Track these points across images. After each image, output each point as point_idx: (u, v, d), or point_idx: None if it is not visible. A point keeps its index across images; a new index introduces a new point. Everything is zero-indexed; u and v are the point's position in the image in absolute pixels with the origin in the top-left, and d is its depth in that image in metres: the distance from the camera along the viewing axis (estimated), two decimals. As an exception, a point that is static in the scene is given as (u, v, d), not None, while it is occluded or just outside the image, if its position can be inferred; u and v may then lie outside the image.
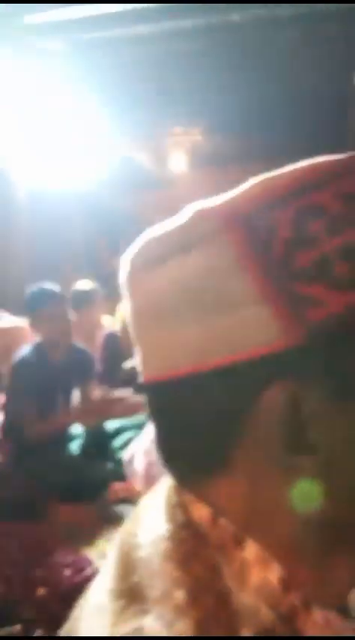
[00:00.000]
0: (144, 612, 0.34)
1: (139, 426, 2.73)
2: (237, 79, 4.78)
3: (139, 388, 0.42)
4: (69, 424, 2.51)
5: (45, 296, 2.44)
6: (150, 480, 2.26)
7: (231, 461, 0.37)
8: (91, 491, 2.26)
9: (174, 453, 0.41)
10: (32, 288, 2.52)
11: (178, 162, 6.80)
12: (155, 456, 0.42)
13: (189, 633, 0.32)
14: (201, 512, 0.38)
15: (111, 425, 2.74)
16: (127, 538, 0.41)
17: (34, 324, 2.48)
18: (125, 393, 2.57)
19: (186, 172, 6.88)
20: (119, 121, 5.60)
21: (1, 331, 3.59)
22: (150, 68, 4.69)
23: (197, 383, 0.37)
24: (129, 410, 2.59)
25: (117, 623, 0.34)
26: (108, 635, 0.34)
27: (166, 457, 0.41)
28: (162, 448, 0.42)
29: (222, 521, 0.38)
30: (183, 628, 0.32)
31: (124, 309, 0.43)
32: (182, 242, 0.39)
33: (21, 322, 3.92)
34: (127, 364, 3.16)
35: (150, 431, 2.55)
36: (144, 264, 0.41)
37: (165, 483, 0.43)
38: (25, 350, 2.51)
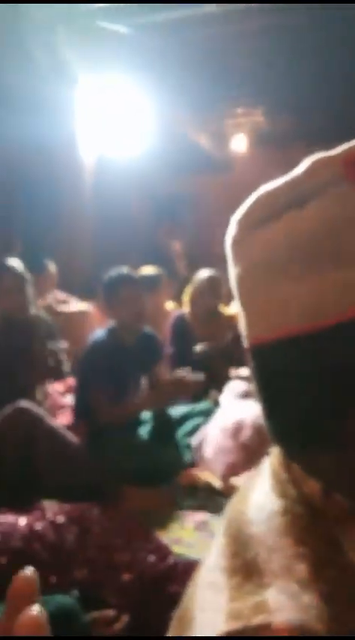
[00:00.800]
0: (264, 586, 0.34)
1: (206, 413, 2.72)
2: (299, 59, 4.64)
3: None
4: (141, 409, 2.52)
5: (122, 279, 2.49)
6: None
7: (343, 433, 0.36)
8: (163, 476, 2.27)
9: (284, 424, 0.39)
10: (110, 273, 2.56)
11: (239, 144, 6.67)
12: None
13: (315, 605, 0.32)
14: (312, 486, 0.38)
15: (178, 411, 2.73)
16: (236, 516, 0.40)
17: (110, 307, 2.52)
18: (196, 375, 2.56)
19: (247, 154, 6.74)
20: (180, 104, 5.54)
21: (68, 316, 3.66)
22: (212, 50, 4.61)
23: (312, 342, 0.35)
24: (194, 389, 2.58)
25: (237, 598, 0.34)
26: (228, 610, 0.34)
27: (276, 429, 0.40)
28: (271, 420, 0.40)
29: (336, 495, 0.37)
30: (309, 600, 0.32)
31: (230, 274, 0.42)
32: (298, 194, 0.37)
33: (87, 307, 4.00)
34: (199, 347, 3.15)
35: (218, 417, 2.53)
36: (257, 221, 0.39)
37: (268, 461, 0.43)
38: (99, 333, 2.54)
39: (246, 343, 0.40)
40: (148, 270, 3.76)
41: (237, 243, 0.41)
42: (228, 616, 0.33)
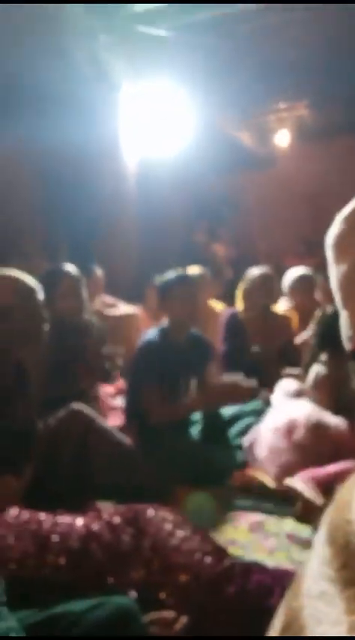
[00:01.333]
0: None
1: (257, 413, 2.68)
2: (342, 50, 4.52)
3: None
4: (192, 411, 2.52)
5: (178, 278, 2.58)
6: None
7: None
8: (215, 477, 2.26)
9: None
10: (165, 274, 2.64)
11: (282, 139, 6.57)
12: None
13: None
14: None
15: (228, 411, 2.71)
16: (342, 525, 0.39)
17: (165, 304, 2.59)
18: (248, 381, 2.54)
19: (290, 149, 6.63)
20: (221, 102, 5.51)
21: (117, 319, 3.70)
22: (252, 45, 4.56)
23: None
24: (246, 395, 2.57)
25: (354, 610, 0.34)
26: (350, 622, 0.34)
27: None
28: None
29: None
30: None
31: (331, 272, 0.40)
32: None
33: (134, 310, 4.04)
34: (253, 348, 3.12)
35: (270, 417, 2.49)
36: None
37: None
38: (150, 334, 2.57)
39: (348, 344, 0.39)
40: (192, 270, 3.76)
41: (342, 240, 0.40)
42: (352, 628, 0.33)
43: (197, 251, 6.82)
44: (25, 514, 1.49)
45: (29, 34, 3.75)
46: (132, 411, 2.55)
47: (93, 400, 2.70)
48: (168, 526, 1.42)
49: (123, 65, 4.59)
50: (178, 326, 2.54)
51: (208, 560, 1.33)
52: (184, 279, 2.59)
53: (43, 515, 1.49)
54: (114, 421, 2.69)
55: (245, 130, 6.56)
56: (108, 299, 4.18)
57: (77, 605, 1.15)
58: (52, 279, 2.46)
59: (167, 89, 4.84)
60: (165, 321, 2.61)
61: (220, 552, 1.40)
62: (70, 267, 2.60)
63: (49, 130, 4.35)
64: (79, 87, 4.34)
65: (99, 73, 4.39)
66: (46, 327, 1.91)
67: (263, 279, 3.26)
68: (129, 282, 4.78)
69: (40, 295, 1.90)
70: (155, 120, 5.04)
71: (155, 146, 5.19)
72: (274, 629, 0.40)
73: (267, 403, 2.74)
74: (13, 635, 1.06)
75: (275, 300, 3.42)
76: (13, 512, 1.49)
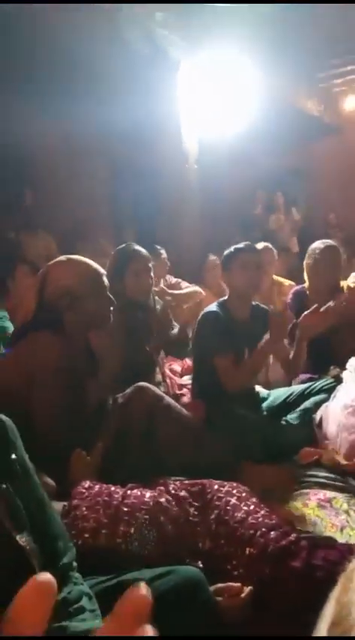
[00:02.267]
0: None
1: (328, 390, 2.63)
2: None
3: None
4: (261, 361, 2.49)
5: (242, 247, 2.60)
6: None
7: None
8: (284, 453, 2.25)
9: None
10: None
11: (351, 104, 6.27)
12: None
13: None
14: None
15: (298, 388, 2.68)
16: None
17: (228, 274, 2.59)
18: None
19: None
20: (284, 72, 5.32)
21: (182, 296, 3.73)
22: (319, 9, 4.35)
23: None
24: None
25: None
26: None
27: None
28: None
29: None
30: None
31: None
32: None
33: (197, 288, 4.05)
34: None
35: (340, 394, 2.43)
36: None
37: None
38: (210, 307, 2.59)
39: None
40: (258, 245, 3.70)
41: None
42: None
43: (259, 226, 6.69)
44: (97, 486, 1.56)
45: (85, 17, 3.79)
46: (199, 389, 2.57)
47: (161, 378, 2.75)
48: (234, 500, 1.44)
49: (181, 42, 4.53)
50: (239, 297, 2.55)
51: (274, 534, 1.34)
52: (244, 249, 2.59)
53: (113, 488, 1.55)
54: (182, 399, 2.73)
55: (310, 99, 6.32)
56: (172, 280, 4.22)
57: (146, 573, 1.19)
58: (123, 258, 2.51)
59: (227, 62, 4.74)
60: (227, 293, 2.62)
61: (286, 527, 1.40)
62: (140, 247, 2.64)
63: (110, 114, 4.39)
64: (136, 67, 4.34)
65: (156, 52, 4.37)
66: (113, 309, 1.96)
67: (329, 252, 3.10)
68: (192, 262, 4.79)
69: (107, 279, 1.95)
70: (217, 96, 4.95)
71: (217, 122, 5.11)
72: (325, 621, 0.39)
73: (338, 380, 2.68)
74: (85, 599, 1.13)
75: (342, 274, 3.28)
76: (86, 483, 1.57)
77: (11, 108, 4.93)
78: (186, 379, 3.10)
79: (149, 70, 4.44)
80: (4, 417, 1.15)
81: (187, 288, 4.02)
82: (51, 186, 5.36)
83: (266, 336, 2.38)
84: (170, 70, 4.70)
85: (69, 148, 5.31)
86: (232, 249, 2.62)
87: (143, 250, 2.60)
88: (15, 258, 3.68)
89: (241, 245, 2.61)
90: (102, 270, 1.93)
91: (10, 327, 3.08)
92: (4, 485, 1.07)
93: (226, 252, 2.64)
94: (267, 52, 4.75)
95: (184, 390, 2.90)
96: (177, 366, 3.30)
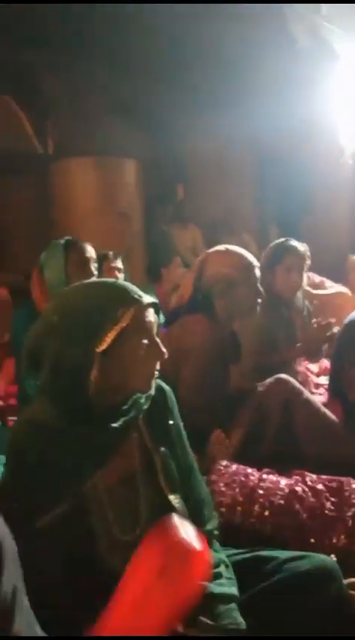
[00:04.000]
0: None
1: None
2: None
3: None
4: None
5: None
6: None
7: None
8: None
9: None
10: None
11: None
12: None
13: None
14: None
15: None
16: None
17: None
18: None
19: None
20: None
21: (326, 297, 3.66)
22: None
23: None
24: None
25: None
26: None
27: None
28: None
29: None
30: None
31: None
32: None
33: (343, 289, 3.94)
34: None
35: None
36: None
37: None
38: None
39: None
40: None
41: None
42: None
43: None
44: (234, 465, 1.63)
45: (252, 20, 3.85)
46: (336, 389, 2.53)
47: (297, 374, 2.74)
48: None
49: (343, 34, 4.41)
50: None
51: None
52: None
53: (249, 470, 1.62)
54: (318, 398, 2.70)
55: None
56: (316, 278, 4.15)
57: (283, 553, 1.24)
58: (278, 252, 2.55)
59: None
60: None
61: None
62: (298, 244, 2.65)
63: (264, 111, 4.42)
64: (297, 64, 4.31)
65: (320, 46, 4.30)
66: (261, 301, 2.02)
67: None
68: (338, 263, 4.66)
69: (258, 271, 2.02)
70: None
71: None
72: None
73: None
74: (223, 567, 1.21)
75: None
76: (223, 462, 1.65)
77: (167, 106, 5.19)
78: (323, 379, 3.06)
79: (309, 65, 4.39)
80: (164, 385, 1.27)
81: (331, 287, 3.94)
82: (201, 182, 5.55)
83: None
84: (330, 63, 4.61)
85: (220, 145, 5.43)
86: None
87: (300, 247, 2.61)
88: (167, 248, 3.90)
89: None
90: (256, 262, 2.01)
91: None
92: (162, 449, 1.19)
93: None
94: None
95: (321, 390, 2.87)
96: (314, 367, 3.26)
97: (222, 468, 1.64)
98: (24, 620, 0.63)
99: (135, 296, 1.11)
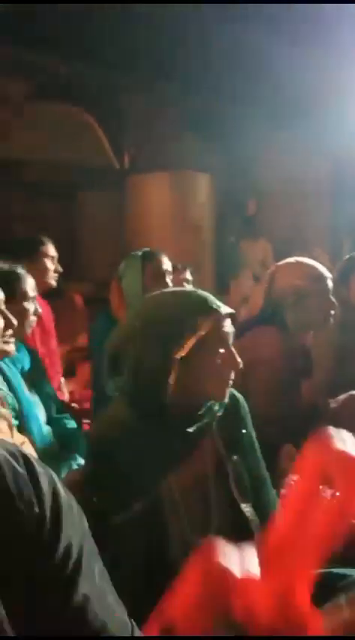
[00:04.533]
0: None
1: None
2: None
3: None
4: None
5: None
6: None
7: None
8: None
9: None
10: None
11: None
12: None
13: None
14: None
15: None
16: None
17: None
18: None
19: None
20: None
21: None
22: None
23: None
24: None
25: None
26: None
27: None
28: None
29: None
30: None
31: None
32: None
33: None
34: None
35: None
36: None
37: None
38: None
39: None
40: None
41: None
42: None
43: None
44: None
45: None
46: None
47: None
48: None
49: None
50: None
51: None
52: None
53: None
54: None
55: None
56: None
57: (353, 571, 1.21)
58: (353, 264, 2.50)
59: None
60: None
61: None
62: None
63: (344, 119, 4.34)
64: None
65: None
66: (334, 312, 1.99)
67: None
68: None
69: (330, 282, 1.98)
70: None
71: None
72: None
73: None
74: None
75: None
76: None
77: (241, 120, 5.23)
78: None
79: None
80: (237, 394, 1.28)
81: None
82: (275, 196, 5.52)
83: None
84: None
85: (296, 158, 5.40)
86: None
87: None
88: (236, 261, 3.91)
89: None
90: (328, 274, 1.97)
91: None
92: (235, 457, 1.19)
93: None
94: None
95: None
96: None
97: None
98: (92, 588, 0.55)
99: (214, 306, 1.14)
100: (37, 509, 0.54)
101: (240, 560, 0.68)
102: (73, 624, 0.54)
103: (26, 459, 0.56)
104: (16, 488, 0.54)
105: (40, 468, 0.57)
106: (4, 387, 1.75)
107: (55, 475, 0.58)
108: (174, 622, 0.67)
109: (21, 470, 0.55)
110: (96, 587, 0.57)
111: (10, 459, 0.55)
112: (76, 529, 0.57)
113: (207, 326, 1.11)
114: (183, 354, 1.09)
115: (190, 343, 1.09)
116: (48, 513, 0.55)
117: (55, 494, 0.56)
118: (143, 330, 1.13)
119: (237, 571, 0.66)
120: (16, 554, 0.52)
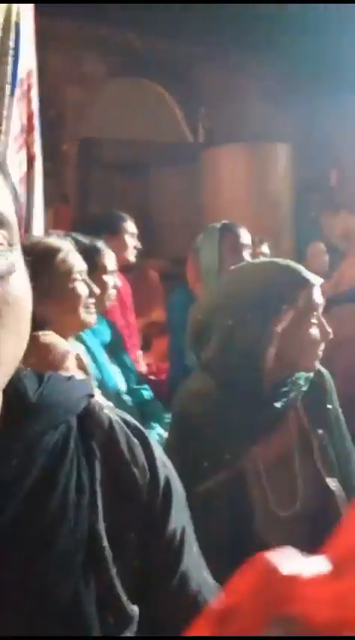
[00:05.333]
0: None
1: None
2: None
3: None
4: None
5: None
6: None
7: None
8: None
9: None
10: None
11: None
12: None
13: None
14: None
15: None
16: None
17: None
18: None
19: None
20: None
21: None
22: None
23: None
24: None
25: None
26: None
27: None
28: None
29: None
30: None
31: None
32: None
33: None
34: None
35: None
36: None
37: None
38: None
39: None
40: None
41: None
42: None
43: None
44: None
45: None
46: None
47: None
48: None
49: None
50: None
51: None
52: None
53: None
54: None
55: None
56: None
57: None
58: None
59: None
60: None
61: None
62: None
63: None
64: None
65: None
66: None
67: None
68: None
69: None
70: None
71: None
72: None
73: None
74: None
75: None
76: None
77: (317, 88, 4.99)
78: None
79: None
80: (323, 369, 1.24)
81: None
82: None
83: None
84: None
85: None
86: None
87: None
88: (315, 236, 3.78)
89: None
90: None
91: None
92: (320, 431, 1.16)
93: None
94: None
95: None
96: None
97: None
98: (192, 562, 0.59)
99: (308, 277, 1.12)
100: (149, 478, 0.55)
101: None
102: (175, 598, 0.57)
103: (138, 428, 0.57)
104: (129, 454, 0.55)
105: (151, 438, 0.58)
106: (87, 358, 1.80)
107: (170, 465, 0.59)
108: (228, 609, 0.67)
109: (134, 438, 0.56)
110: (195, 561, 0.59)
111: (124, 426, 0.56)
112: (184, 511, 0.59)
113: (304, 297, 1.11)
114: (282, 327, 1.08)
115: (289, 315, 1.09)
116: (162, 484, 0.55)
117: (165, 466, 0.57)
118: (239, 302, 1.13)
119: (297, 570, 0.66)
120: (131, 522, 0.53)
